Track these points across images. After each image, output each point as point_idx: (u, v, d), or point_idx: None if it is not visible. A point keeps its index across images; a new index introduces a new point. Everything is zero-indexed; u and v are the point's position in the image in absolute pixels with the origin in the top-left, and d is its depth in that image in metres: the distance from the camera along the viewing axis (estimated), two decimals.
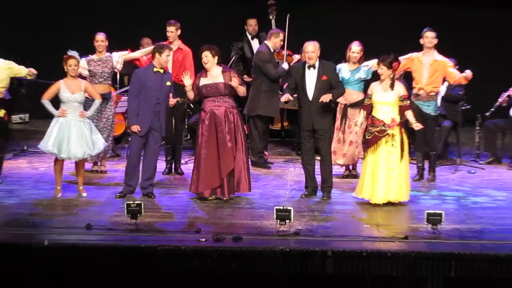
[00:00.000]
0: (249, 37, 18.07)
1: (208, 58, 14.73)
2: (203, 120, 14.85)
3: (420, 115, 15.49)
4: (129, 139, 15.31)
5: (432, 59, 15.94)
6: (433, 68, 15.91)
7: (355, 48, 15.93)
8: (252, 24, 18.04)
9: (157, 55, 14.91)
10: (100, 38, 16.15)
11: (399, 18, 19.13)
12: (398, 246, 13.12)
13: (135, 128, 14.92)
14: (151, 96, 14.87)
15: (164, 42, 15.93)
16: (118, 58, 16.14)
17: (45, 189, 15.47)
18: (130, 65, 16.80)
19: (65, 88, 14.90)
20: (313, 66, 14.96)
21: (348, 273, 12.83)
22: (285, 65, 16.16)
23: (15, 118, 18.24)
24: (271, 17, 17.82)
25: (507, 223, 14.12)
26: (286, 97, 15.02)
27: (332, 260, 12.82)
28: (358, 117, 15.41)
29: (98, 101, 15.21)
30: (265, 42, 17.03)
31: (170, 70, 15.90)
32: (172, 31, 16.36)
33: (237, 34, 18.13)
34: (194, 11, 18.03)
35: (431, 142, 16.20)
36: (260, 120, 16.87)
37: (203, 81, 14.82)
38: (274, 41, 16.87)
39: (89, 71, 15.92)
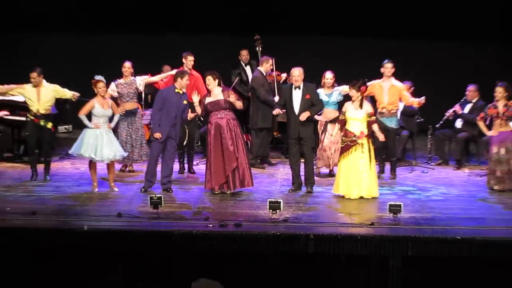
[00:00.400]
0: (243, 64, 18.09)
1: (210, 81, 14.82)
2: (210, 130, 14.87)
3: (384, 129, 15.54)
4: (151, 144, 15.27)
5: (391, 84, 16.03)
6: (391, 92, 16.00)
7: (329, 75, 16.01)
8: (244, 54, 18.08)
9: (179, 79, 14.96)
10: (127, 65, 16.11)
11: (361, 50, 19.00)
12: (366, 231, 13.12)
13: (158, 135, 14.92)
14: (171, 111, 14.90)
15: (181, 69, 16.07)
16: (141, 81, 16.11)
17: (85, 185, 15.44)
18: (150, 87, 16.87)
19: (98, 105, 14.91)
20: (299, 87, 14.98)
21: (326, 252, 12.84)
22: (276, 98, 16.08)
23: (61, 128, 18.17)
24: (257, 48, 17.80)
25: (452, 212, 14.10)
26: (277, 111, 15.11)
27: (313, 242, 12.83)
28: (334, 129, 15.49)
29: (117, 116, 15.23)
30: (258, 68, 17.05)
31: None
32: (192, 59, 16.42)
33: (234, 62, 18.05)
34: (200, 45, 17.94)
35: (393, 149, 16.22)
36: (260, 131, 16.88)
37: (207, 100, 14.88)
38: (265, 66, 16.94)
39: (118, 92, 15.88)
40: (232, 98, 14.89)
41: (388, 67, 15.98)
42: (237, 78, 17.81)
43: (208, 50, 18.44)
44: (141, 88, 16.22)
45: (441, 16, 18.76)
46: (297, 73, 15.07)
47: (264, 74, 16.90)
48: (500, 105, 15.11)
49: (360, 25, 19.03)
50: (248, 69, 18.10)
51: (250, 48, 17.97)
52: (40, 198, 14.73)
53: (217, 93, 14.88)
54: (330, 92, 15.86)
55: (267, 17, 18.77)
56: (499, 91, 15.13)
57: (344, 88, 15.64)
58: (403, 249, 12.76)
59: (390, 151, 16.19)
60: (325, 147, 15.95)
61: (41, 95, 15.50)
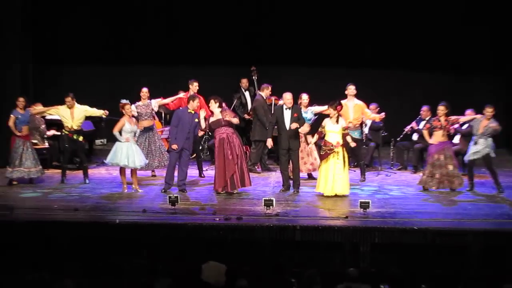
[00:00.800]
0: (243, 90, 18.05)
1: (212, 104, 14.87)
2: (215, 144, 14.91)
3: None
4: (169, 154, 15.27)
5: (354, 103, 16.04)
6: (355, 109, 16.01)
7: (305, 97, 15.94)
8: (244, 81, 18.05)
9: (191, 101, 15.02)
10: (145, 91, 16.11)
11: (331, 76, 18.91)
12: (342, 223, 13.17)
13: (175, 146, 14.94)
14: (185, 127, 14.91)
15: (183, 94, 16.48)
16: (155, 103, 16.12)
17: (116, 187, 15.42)
18: (163, 107, 17.06)
19: (127, 123, 14.93)
20: (289, 108, 15.01)
21: (310, 240, 12.88)
22: (270, 125, 15.91)
23: (98, 142, 18.19)
24: (254, 77, 17.82)
25: (410, 208, 14.11)
26: (269, 143, 15.26)
27: (299, 232, 12.90)
28: (311, 139, 15.49)
29: (138, 131, 15.27)
30: (260, 92, 17.02)
31: None
32: (196, 85, 16.53)
33: (235, 87, 18.03)
34: (206, 74, 17.92)
35: (359, 155, 16.22)
36: (258, 142, 16.86)
37: (211, 119, 14.93)
38: (266, 91, 16.90)
39: (137, 112, 15.86)
40: (228, 117, 14.90)
41: (351, 89, 16.00)
42: (236, 101, 17.75)
43: (211, 77, 18.39)
44: (155, 109, 16.20)
45: (400, 50, 18.74)
46: (289, 97, 15.09)
47: (264, 97, 16.89)
48: (442, 119, 15.12)
49: (331, 57, 18.99)
50: (247, 93, 18.07)
51: (248, 77, 17.96)
52: (81, 197, 14.73)
53: (217, 113, 14.88)
54: (305, 110, 15.84)
55: (260, 52, 18.73)
56: (441, 109, 15.12)
57: (316, 108, 15.71)
58: (371, 237, 12.83)
59: (357, 157, 16.19)
60: (307, 151, 15.87)
61: (74, 114, 15.55)
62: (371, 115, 16.33)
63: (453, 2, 18.45)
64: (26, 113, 15.52)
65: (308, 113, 15.82)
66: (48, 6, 18.46)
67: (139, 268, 10.28)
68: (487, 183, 15.72)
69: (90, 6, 18.83)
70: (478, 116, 15.26)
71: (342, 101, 15.68)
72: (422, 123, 16.91)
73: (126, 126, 14.94)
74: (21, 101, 15.46)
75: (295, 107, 15.18)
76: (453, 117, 15.23)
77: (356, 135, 15.90)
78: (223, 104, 15.08)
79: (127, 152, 14.87)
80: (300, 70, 19.00)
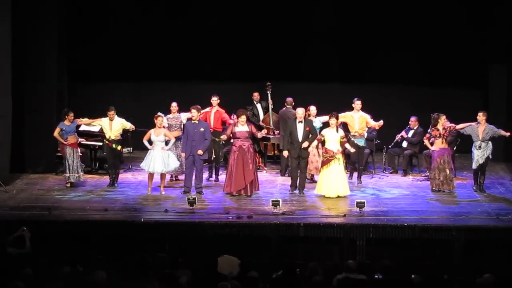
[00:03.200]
0: (255, 103, 18.00)
1: (243, 117, 14.91)
2: (235, 151, 14.87)
3: (357, 147, 15.69)
4: (185, 161, 15.30)
5: (359, 115, 16.09)
6: (360, 120, 16.05)
7: (313, 108, 15.88)
8: (255, 95, 17.90)
9: (192, 112, 15.13)
10: (174, 105, 16.11)
11: (337, 92, 18.93)
12: (340, 220, 13.26)
13: (183, 154, 15.12)
14: (190, 137, 15.02)
15: (208, 108, 16.37)
16: (184, 116, 16.05)
17: (141, 190, 15.44)
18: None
19: (153, 134, 15.01)
20: (301, 122, 15.07)
21: (312, 236, 12.95)
22: (285, 137, 15.71)
23: (125, 150, 18.22)
24: (268, 92, 17.80)
25: (401, 207, 14.19)
26: (286, 154, 15.31)
27: (303, 228, 13.01)
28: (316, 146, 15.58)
29: (172, 140, 15.28)
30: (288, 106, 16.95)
31: (212, 124, 16.06)
32: (215, 99, 16.46)
33: (249, 101, 18.04)
34: (224, 89, 17.94)
35: (362, 161, 16.29)
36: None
37: (237, 129, 14.92)
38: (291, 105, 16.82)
39: (168, 124, 15.93)
40: (258, 133, 15.19)
41: (357, 104, 16.05)
42: (249, 112, 17.66)
43: (230, 92, 18.43)
44: (184, 121, 16.09)
45: (391, 67, 18.76)
46: (301, 112, 15.13)
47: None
48: (441, 128, 15.16)
49: (337, 74, 19.06)
50: (258, 106, 18.00)
51: (260, 91, 17.93)
52: (110, 199, 14.78)
53: (244, 125, 14.92)
54: (314, 120, 15.83)
55: (274, 69, 18.74)
56: (443, 118, 15.16)
57: (324, 118, 15.72)
58: (366, 233, 12.93)
59: (360, 162, 16.25)
60: (310, 159, 15.91)
61: (112, 126, 15.60)
62: (372, 123, 16.37)
63: (439, 21, 18.44)
64: (72, 125, 15.56)
65: (317, 122, 15.81)
66: (80, 28, 18.52)
67: (163, 261, 10.34)
68: (468, 184, 15.77)
69: (116, 31, 18.88)
70: (473, 123, 15.30)
71: (349, 113, 15.89)
72: (411, 132, 16.97)
73: (152, 136, 15.01)
74: (70, 115, 15.53)
75: (307, 120, 15.22)
76: (450, 125, 15.29)
77: (361, 143, 15.99)
78: (244, 117, 15.02)
79: (151, 158, 14.95)
80: (305, 86, 19.01)
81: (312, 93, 18.42)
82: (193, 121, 15.15)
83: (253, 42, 18.91)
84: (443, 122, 15.17)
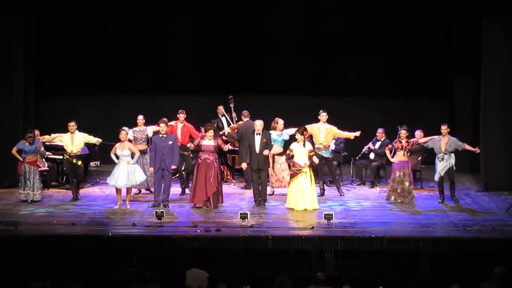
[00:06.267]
0: (220, 116, 18.06)
1: (211, 131, 14.91)
2: (199, 163, 14.91)
3: (321, 158, 15.73)
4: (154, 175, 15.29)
5: (326, 127, 16.15)
6: (326, 132, 16.11)
7: (281, 121, 15.92)
8: (220, 108, 17.99)
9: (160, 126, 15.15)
10: (140, 118, 16.10)
11: (303, 104, 18.98)
12: (309, 232, 13.26)
13: (151, 169, 15.11)
14: (159, 150, 14.99)
15: (173, 122, 16.26)
16: (150, 130, 16.07)
17: (109, 204, 15.35)
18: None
19: (118, 148, 14.96)
20: (259, 134, 15.14)
21: (281, 248, 12.93)
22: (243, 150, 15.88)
23: (92, 164, 18.15)
24: (231, 105, 17.87)
25: (368, 218, 14.25)
26: (244, 166, 15.47)
27: (271, 241, 12.98)
28: (281, 159, 15.55)
29: (137, 154, 15.22)
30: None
31: (180, 139, 15.99)
32: (183, 115, 16.43)
33: (213, 114, 18.07)
34: (188, 104, 17.93)
35: (333, 171, 16.35)
36: None
37: (203, 142, 14.95)
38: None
39: (133, 137, 15.88)
40: (225, 146, 15.20)
41: (323, 115, 16.11)
42: (215, 125, 17.74)
43: (197, 105, 18.47)
44: (150, 135, 16.12)
45: (358, 80, 18.90)
46: (259, 124, 15.23)
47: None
48: (403, 141, 15.31)
49: (305, 86, 19.17)
50: (223, 119, 18.09)
51: (225, 104, 17.99)
52: (77, 213, 14.68)
53: (211, 139, 14.92)
54: (279, 134, 15.89)
55: (236, 82, 18.81)
56: (403, 133, 15.35)
57: (290, 130, 15.70)
58: (335, 245, 12.91)
59: (332, 173, 16.35)
60: (276, 171, 15.94)
61: (74, 140, 15.48)
62: (345, 133, 16.41)
63: (406, 34, 18.61)
64: (32, 146, 15.34)
65: (284, 135, 15.83)
66: (47, 42, 18.43)
67: (130, 275, 10.30)
68: (435, 195, 15.88)
69: (83, 45, 18.82)
70: (435, 136, 15.47)
71: (315, 125, 15.93)
72: (378, 144, 17.06)
73: (118, 150, 14.97)
74: (29, 137, 15.32)
75: (265, 132, 15.28)
76: (413, 139, 15.50)
77: (327, 154, 16.04)
78: (212, 132, 15.01)
79: (116, 172, 14.91)
80: (272, 98, 19.08)
81: (279, 106, 18.52)
82: (161, 135, 15.12)
83: (220, 55, 18.98)
84: (407, 135, 15.33)
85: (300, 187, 14.81)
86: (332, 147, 16.59)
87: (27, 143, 15.31)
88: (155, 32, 18.90)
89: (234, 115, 17.80)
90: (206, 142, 14.95)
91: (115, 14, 18.87)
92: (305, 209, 14.75)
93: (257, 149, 15.10)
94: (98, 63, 18.85)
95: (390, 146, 15.63)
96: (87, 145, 16.48)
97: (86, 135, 15.69)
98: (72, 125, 15.48)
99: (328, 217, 13.60)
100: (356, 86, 19.01)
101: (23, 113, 17.15)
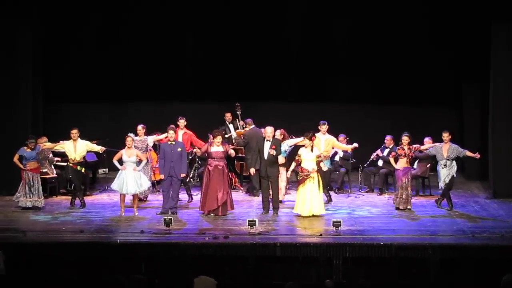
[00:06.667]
0: (227, 123, 18.10)
1: (220, 138, 14.90)
2: (209, 170, 14.88)
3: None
4: (163, 182, 15.31)
5: (326, 138, 16.22)
6: (326, 143, 16.19)
7: (277, 133, 15.80)
8: (227, 116, 18.07)
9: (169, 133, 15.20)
10: (139, 128, 16.14)
11: (304, 113, 18.96)
12: (317, 240, 13.24)
13: (162, 176, 15.08)
14: (168, 157, 14.99)
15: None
16: (151, 139, 16.16)
17: (117, 211, 15.32)
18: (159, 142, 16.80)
19: (125, 154, 14.98)
20: (269, 140, 15.13)
21: (289, 255, 12.91)
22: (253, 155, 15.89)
23: (100, 171, 18.17)
24: (238, 112, 17.90)
25: (377, 225, 14.23)
26: (252, 172, 15.49)
27: (280, 248, 12.97)
28: (283, 171, 15.54)
29: (144, 161, 15.24)
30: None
31: None
32: (183, 122, 16.46)
33: (221, 121, 18.09)
34: (195, 111, 17.95)
35: (326, 182, 16.28)
36: None
37: (212, 149, 14.93)
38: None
39: (135, 146, 15.86)
40: (231, 151, 15.17)
41: (323, 127, 16.20)
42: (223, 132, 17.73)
43: (204, 113, 18.49)
44: (151, 144, 16.14)
45: (367, 88, 18.89)
46: (270, 130, 15.21)
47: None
48: (406, 148, 15.31)
49: (305, 95, 19.18)
50: (231, 126, 18.11)
51: (232, 112, 18.01)
52: (85, 220, 14.68)
53: (220, 145, 14.93)
54: (281, 143, 15.83)
55: (244, 90, 18.82)
56: (405, 139, 15.36)
57: (290, 141, 15.65)
58: (343, 252, 12.89)
59: (323, 179, 16.13)
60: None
61: (77, 147, 15.53)
62: (344, 146, 16.49)
63: (415, 41, 18.60)
64: (33, 152, 15.38)
65: (284, 145, 15.82)
66: (56, 50, 18.49)
67: (139, 283, 10.30)
68: (443, 203, 15.74)
69: (91, 52, 18.87)
70: (437, 144, 15.47)
71: (316, 134, 15.82)
72: (386, 151, 17.02)
73: (124, 157, 14.97)
74: (31, 142, 15.39)
75: (275, 139, 15.27)
76: (414, 146, 15.47)
77: (326, 164, 15.99)
78: (220, 138, 15.02)
79: (123, 179, 14.92)
80: (278, 105, 19.08)
81: (286, 113, 18.52)
82: (169, 142, 15.12)
83: (228, 62, 18.98)
84: (408, 142, 15.33)
85: (308, 193, 14.79)
86: (341, 154, 16.57)
87: (28, 149, 15.35)
88: (163, 39, 18.93)
89: (241, 123, 17.80)
90: (215, 149, 14.94)
91: (123, 21, 18.91)
92: (312, 215, 14.72)
93: (266, 156, 15.10)
94: (107, 71, 18.89)
95: (393, 153, 15.64)
96: (95, 152, 16.49)
97: (88, 143, 15.75)
98: (74, 132, 15.53)
99: (337, 224, 13.58)
100: (365, 93, 18.99)
101: (31, 121, 17.19)
